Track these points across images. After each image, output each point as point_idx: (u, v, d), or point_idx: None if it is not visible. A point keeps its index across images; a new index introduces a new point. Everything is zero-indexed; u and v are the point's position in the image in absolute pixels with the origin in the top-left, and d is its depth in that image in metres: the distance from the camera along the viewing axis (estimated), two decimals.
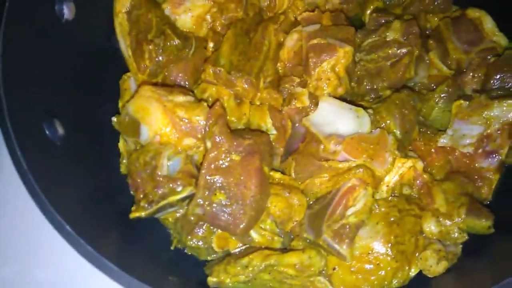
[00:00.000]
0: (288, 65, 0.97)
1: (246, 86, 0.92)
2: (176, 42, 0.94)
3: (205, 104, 0.90)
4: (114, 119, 0.94)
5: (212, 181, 0.81)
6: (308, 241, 0.85)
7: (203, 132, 0.87)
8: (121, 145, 0.96)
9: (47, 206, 0.65)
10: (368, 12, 1.02)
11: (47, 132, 0.78)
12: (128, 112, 0.89)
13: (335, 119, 0.88)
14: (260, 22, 1.01)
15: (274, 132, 0.92)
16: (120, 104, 0.99)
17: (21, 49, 0.77)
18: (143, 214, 0.84)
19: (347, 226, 0.81)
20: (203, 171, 0.82)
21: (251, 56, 0.95)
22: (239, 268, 0.81)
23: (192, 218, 0.82)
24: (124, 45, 0.98)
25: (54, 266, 0.97)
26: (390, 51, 0.94)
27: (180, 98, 0.89)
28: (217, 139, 0.83)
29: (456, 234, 0.83)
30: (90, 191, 0.83)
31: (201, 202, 0.81)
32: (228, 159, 0.83)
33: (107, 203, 0.85)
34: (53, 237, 0.96)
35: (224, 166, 0.82)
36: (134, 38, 0.96)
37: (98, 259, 0.62)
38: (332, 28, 0.95)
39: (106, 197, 0.86)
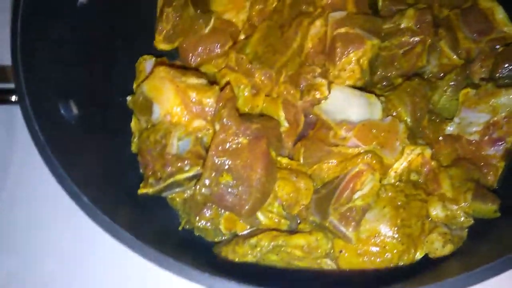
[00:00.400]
0: (311, 50, 0.97)
1: (264, 78, 0.93)
2: (191, 12, 0.96)
3: (217, 87, 0.91)
4: (128, 98, 0.96)
5: (219, 162, 0.83)
6: (314, 223, 0.86)
7: (213, 115, 0.88)
8: (133, 124, 0.98)
9: (64, 178, 0.67)
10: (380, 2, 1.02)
11: (62, 112, 0.80)
12: (143, 91, 0.91)
13: (346, 106, 0.89)
14: (296, 17, 1.00)
15: (286, 125, 0.92)
16: (134, 85, 1.00)
17: (38, 32, 0.79)
18: (150, 190, 0.86)
19: (354, 209, 0.81)
20: (211, 153, 0.83)
21: (278, 50, 0.95)
22: (247, 247, 0.82)
23: (199, 198, 0.84)
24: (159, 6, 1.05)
25: (64, 257, 0.97)
26: (403, 39, 0.94)
27: (193, 80, 0.90)
28: (225, 122, 0.84)
29: (462, 218, 0.83)
30: (102, 168, 0.84)
31: (208, 183, 0.83)
32: (236, 141, 0.84)
33: (118, 180, 0.86)
34: (61, 227, 0.98)
35: (231, 148, 0.83)
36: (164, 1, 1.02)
37: (114, 228, 0.63)
38: (360, 17, 0.94)
39: (117, 175, 0.87)
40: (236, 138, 0.84)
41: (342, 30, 0.91)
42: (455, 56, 0.95)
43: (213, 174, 0.83)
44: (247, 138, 0.84)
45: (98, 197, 0.68)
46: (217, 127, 0.85)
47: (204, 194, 0.83)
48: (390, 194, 0.84)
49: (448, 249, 0.82)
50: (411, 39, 0.94)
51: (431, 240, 0.83)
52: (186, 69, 0.97)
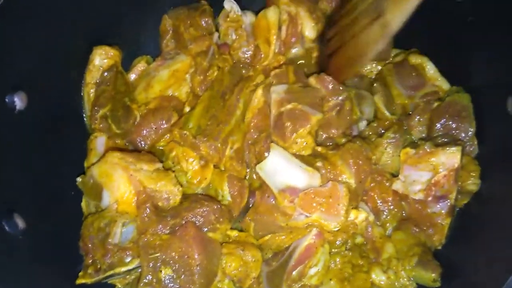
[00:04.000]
0: (253, 121, 0.96)
1: (209, 151, 0.92)
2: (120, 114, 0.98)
3: (172, 175, 0.90)
4: (78, 179, 0.92)
5: (153, 258, 0.80)
6: None
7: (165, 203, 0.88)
8: (83, 205, 0.94)
9: None
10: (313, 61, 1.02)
11: (7, 229, 0.76)
12: (93, 175, 0.88)
13: (285, 169, 0.87)
14: (238, 83, 0.99)
15: (229, 199, 0.91)
16: (85, 164, 0.97)
17: None
18: (89, 281, 0.82)
19: (308, 287, 0.82)
20: (141, 253, 0.81)
21: (221, 120, 0.94)
22: None
23: None
24: (86, 112, 1.03)
25: None
26: (330, 103, 0.93)
27: (147, 167, 0.88)
28: (141, 227, 0.84)
29: (407, 282, 0.83)
30: (54, 273, 0.83)
31: (148, 280, 0.80)
32: (158, 239, 0.82)
33: (70, 279, 0.84)
34: None
35: (157, 245, 0.81)
36: (94, 109, 1.00)
37: None
38: (301, 90, 0.93)
39: (70, 274, 0.85)
40: (156, 236, 0.82)
41: (289, 107, 0.90)
42: (387, 113, 0.94)
43: (151, 272, 0.80)
44: (167, 233, 0.83)
45: None
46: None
47: None
48: (338, 266, 0.84)
49: None
50: (338, 99, 0.93)
51: None
52: (139, 152, 0.94)
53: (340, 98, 0.92)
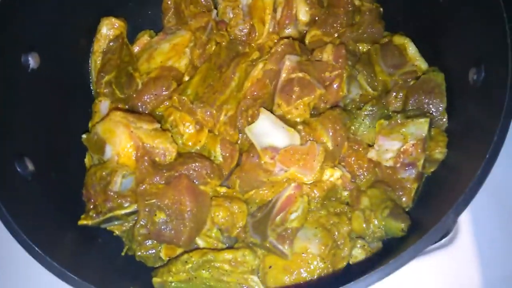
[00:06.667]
0: (250, 89, 1.04)
1: (205, 116, 0.99)
2: (123, 81, 1.05)
3: (169, 134, 0.98)
4: (84, 136, 1.00)
5: (149, 204, 0.88)
6: (252, 244, 0.92)
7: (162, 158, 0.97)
8: (86, 160, 1.03)
9: (19, 233, 0.73)
10: (307, 41, 1.09)
11: (18, 170, 0.83)
12: (97, 132, 0.96)
13: (271, 131, 0.96)
14: (234, 58, 1.07)
15: (220, 159, 0.99)
16: (90, 124, 1.06)
17: None
18: (90, 222, 0.90)
19: (289, 230, 0.88)
20: (139, 198, 0.89)
21: (217, 89, 1.01)
22: (179, 265, 0.87)
23: (139, 238, 0.89)
24: (93, 78, 1.12)
25: None
26: (323, 75, 1.01)
27: (147, 126, 0.96)
28: (140, 177, 0.93)
29: (377, 230, 0.91)
30: (59, 215, 0.90)
31: (144, 223, 0.88)
32: (155, 187, 0.91)
33: (72, 222, 0.91)
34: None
35: (153, 193, 0.89)
36: (99, 75, 1.08)
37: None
38: (309, 64, 1.01)
39: (72, 218, 0.92)
40: (152, 185, 0.91)
41: (300, 75, 0.98)
42: (369, 88, 1.01)
43: (147, 215, 0.88)
44: (162, 183, 0.91)
45: (52, 246, 0.76)
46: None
47: (143, 234, 0.88)
48: (322, 212, 0.92)
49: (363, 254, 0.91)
50: (331, 74, 1.00)
51: (354, 256, 0.92)
52: (140, 114, 1.01)
53: (335, 73, 0.99)
